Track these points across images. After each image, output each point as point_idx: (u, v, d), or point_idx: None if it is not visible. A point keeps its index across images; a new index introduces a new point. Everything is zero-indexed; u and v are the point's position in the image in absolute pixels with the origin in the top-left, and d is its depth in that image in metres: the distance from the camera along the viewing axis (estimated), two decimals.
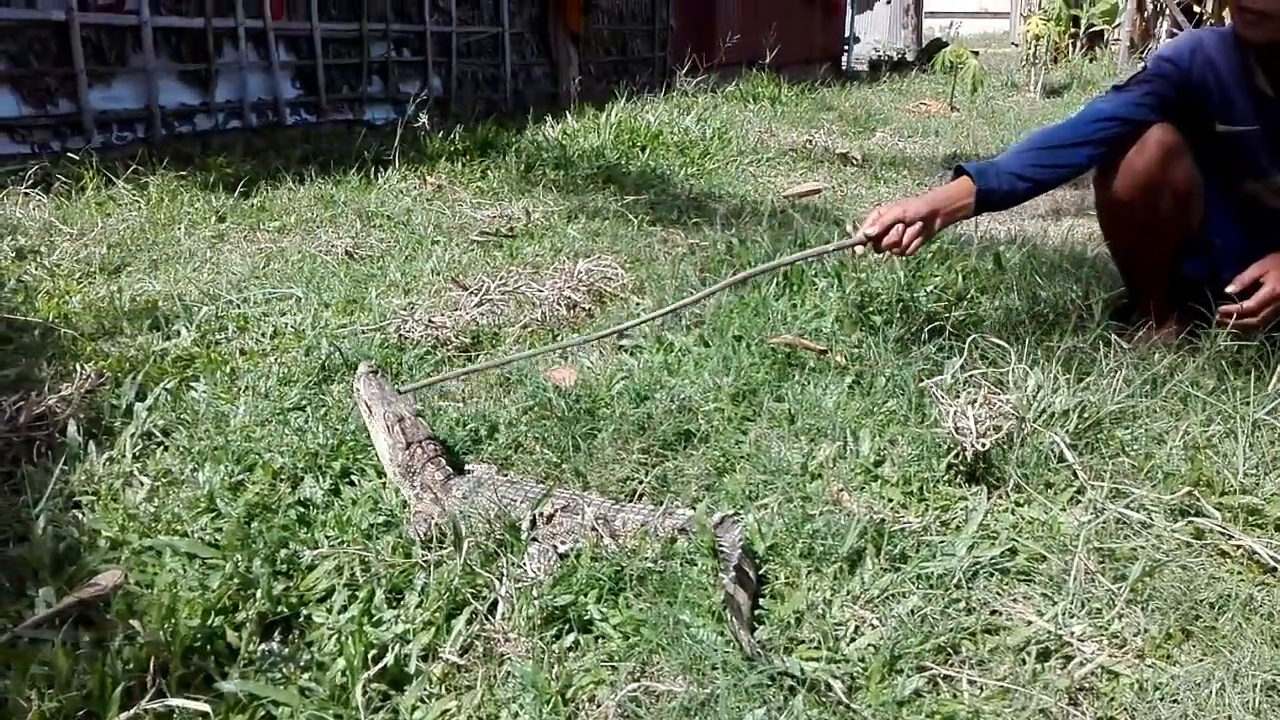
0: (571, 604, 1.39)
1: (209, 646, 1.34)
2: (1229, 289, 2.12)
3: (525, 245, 3.47)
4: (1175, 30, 13.54)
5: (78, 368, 2.18)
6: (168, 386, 2.14)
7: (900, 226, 2.11)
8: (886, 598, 1.43)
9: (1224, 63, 2.20)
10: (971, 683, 1.27)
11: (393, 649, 1.31)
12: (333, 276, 3.06)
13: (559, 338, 2.54)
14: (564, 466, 1.85)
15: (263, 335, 2.53)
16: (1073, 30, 13.83)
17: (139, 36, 5.27)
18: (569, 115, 6.36)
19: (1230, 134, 2.23)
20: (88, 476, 1.79)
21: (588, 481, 1.79)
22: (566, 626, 1.37)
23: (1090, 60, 13.66)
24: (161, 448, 1.93)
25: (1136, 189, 2.23)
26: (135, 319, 2.59)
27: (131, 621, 1.34)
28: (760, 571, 1.48)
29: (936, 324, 2.33)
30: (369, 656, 1.29)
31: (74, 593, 1.40)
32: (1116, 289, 2.59)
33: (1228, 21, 2.23)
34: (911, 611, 1.38)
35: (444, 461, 1.70)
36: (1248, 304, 2.10)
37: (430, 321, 2.58)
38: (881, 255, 2.23)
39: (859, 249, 2.17)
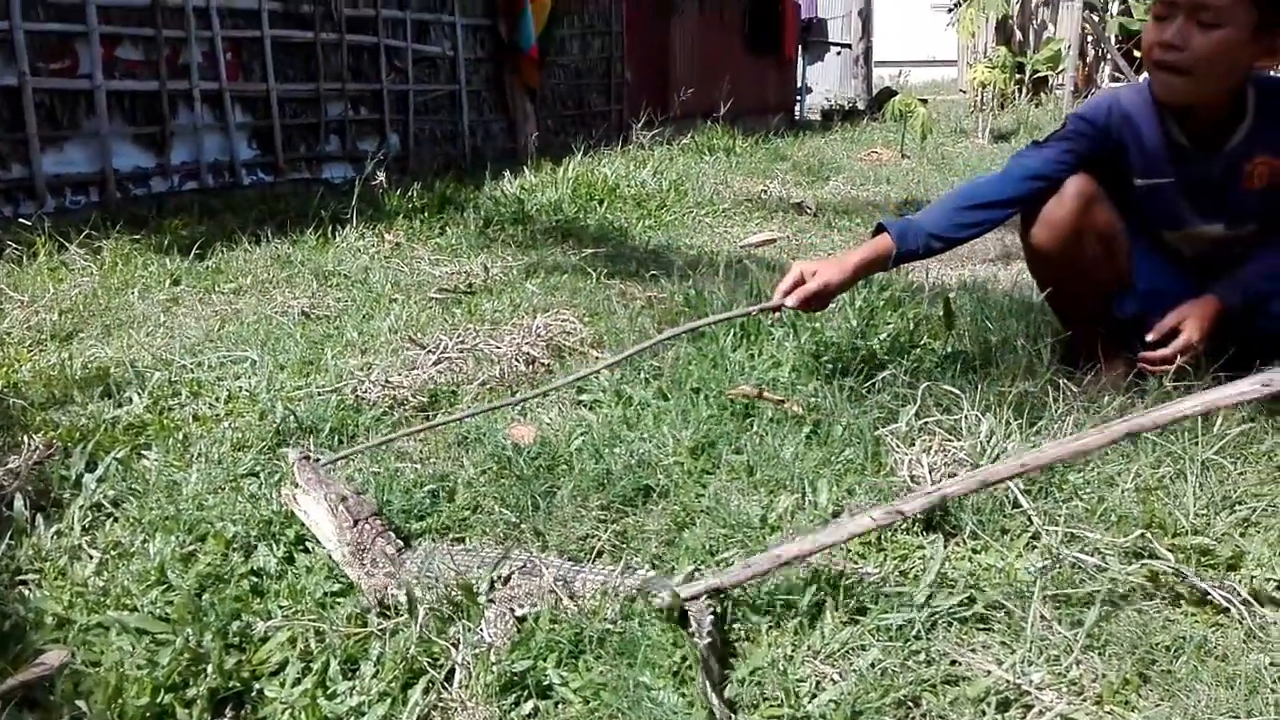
0: (530, 669, 1.37)
1: None
2: (1148, 337, 2.24)
3: (484, 301, 3.47)
4: (1117, 74, 13.98)
5: (26, 439, 2.14)
6: (118, 455, 2.10)
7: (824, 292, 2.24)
8: (847, 651, 1.43)
9: (1141, 117, 2.29)
10: None
11: None
12: (288, 338, 3.04)
13: (517, 394, 2.53)
14: (523, 526, 1.83)
15: (216, 400, 2.50)
16: (1018, 77, 14.20)
17: (92, 100, 5.26)
18: (527, 170, 6.41)
19: (1148, 187, 2.31)
20: (35, 551, 1.75)
21: (547, 541, 1.78)
22: (525, 693, 1.35)
23: (1036, 105, 14.02)
24: (111, 519, 1.89)
25: (1058, 237, 2.30)
26: (86, 386, 2.55)
27: (78, 702, 1.30)
28: (724, 628, 1.48)
29: (890, 371, 2.36)
30: None
31: (17, 674, 1.36)
32: (1064, 333, 2.64)
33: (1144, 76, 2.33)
34: (872, 664, 1.38)
35: (393, 535, 1.67)
36: (1164, 352, 2.22)
37: (387, 381, 2.57)
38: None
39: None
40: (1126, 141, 2.30)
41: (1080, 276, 2.34)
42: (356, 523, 1.66)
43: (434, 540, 1.76)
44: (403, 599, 1.51)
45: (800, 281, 2.23)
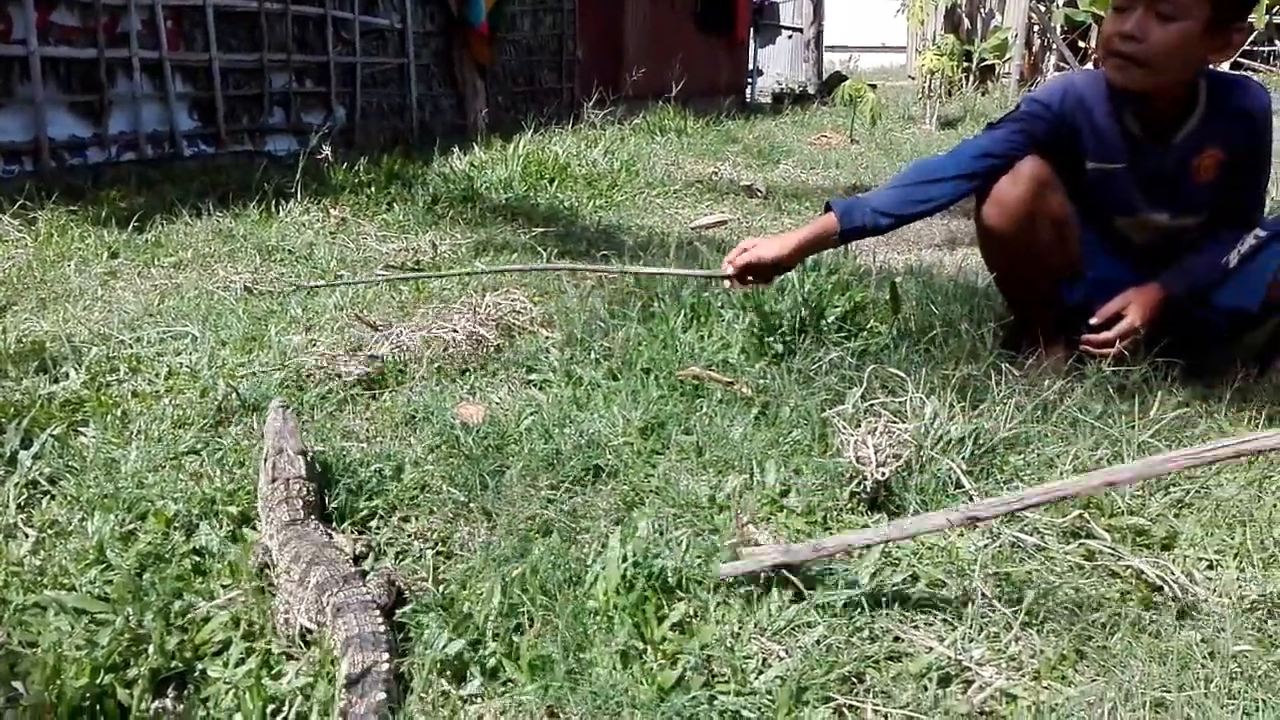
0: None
1: (98, 707, 1.28)
2: (1092, 320, 2.30)
3: (432, 279, 3.43)
4: (1062, 64, 14.20)
5: None
6: (55, 432, 2.05)
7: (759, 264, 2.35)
8: (793, 628, 1.45)
9: (1095, 103, 2.32)
10: (876, 711, 1.29)
11: (292, 703, 1.27)
12: (230, 313, 2.98)
13: (468, 373, 2.51)
14: (471, 505, 1.82)
15: (156, 376, 2.44)
16: (965, 64, 14.35)
17: (27, 66, 5.09)
18: (476, 146, 6.34)
19: (1100, 172, 2.35)
20: None
21: (495, 520, 1.77)
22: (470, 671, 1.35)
23: (982, 93, 14.21)
24: (48, 497, 1.85)
25: (1012, 219, 2.32)
26: (21, 361, 2.48)
27: (14, 683, 1.27)
28: (666, 609, 1.48)
29: (837, 354, 2.38)
30: (267, 711, 1.26)
31: None
32: (1007, 317, 2.69)
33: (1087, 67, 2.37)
34: (817, 641, 1.40)
35: (300, 505, 1.65)
36: (1106, 334, 2.29)
37: (333, 358, 2.53)
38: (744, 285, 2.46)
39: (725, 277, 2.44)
40: (1080, 125, 2.33)
41: (1032, 261, 2.38)
42: (274, 480, 1.68)
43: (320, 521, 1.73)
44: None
45: (743, 253, 2.37)
